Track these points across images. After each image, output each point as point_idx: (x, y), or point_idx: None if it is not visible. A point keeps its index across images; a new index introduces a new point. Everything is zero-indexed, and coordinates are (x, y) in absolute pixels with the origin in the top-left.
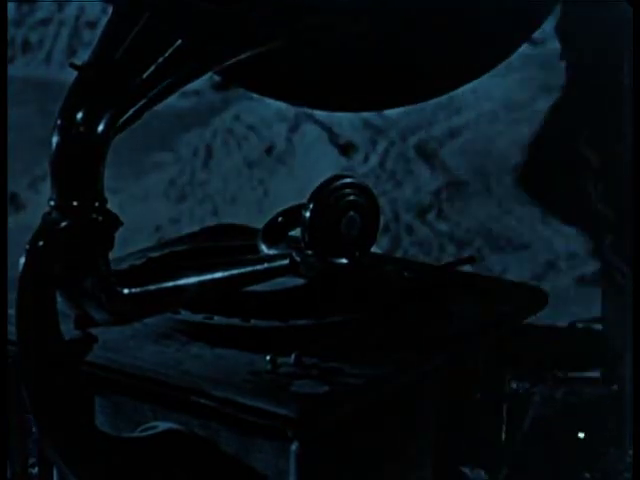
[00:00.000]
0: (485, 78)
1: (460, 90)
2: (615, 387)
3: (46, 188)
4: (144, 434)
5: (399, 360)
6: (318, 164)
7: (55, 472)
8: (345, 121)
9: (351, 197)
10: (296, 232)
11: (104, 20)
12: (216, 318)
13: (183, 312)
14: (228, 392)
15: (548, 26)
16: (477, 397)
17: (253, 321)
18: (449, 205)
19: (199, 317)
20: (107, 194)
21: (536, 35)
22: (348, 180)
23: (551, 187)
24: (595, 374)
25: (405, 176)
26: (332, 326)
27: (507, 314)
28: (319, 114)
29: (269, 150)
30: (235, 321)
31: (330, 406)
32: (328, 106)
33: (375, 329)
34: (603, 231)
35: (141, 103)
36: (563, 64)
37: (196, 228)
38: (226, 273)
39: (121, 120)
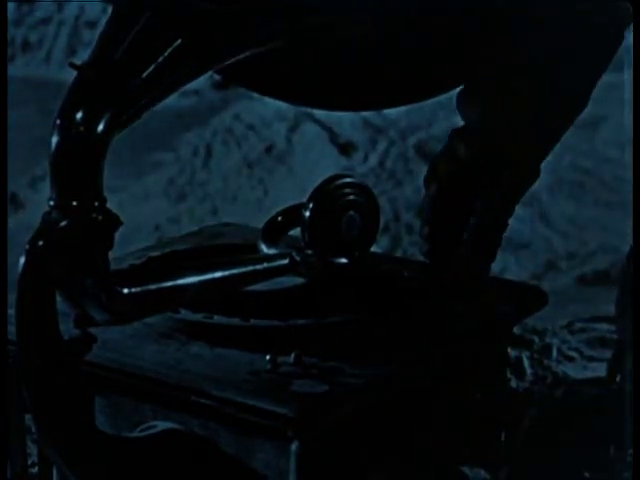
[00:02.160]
0: None
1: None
2: (615, 387)
3: (46, 188)
4: (144, 434)
5: (399, 360)
6: (318, 164)
7: (55, 472)
8: (345, 121)
9: (351, 197)
10: (296, 232)
11: (104, 20)
12: (216, 317)
13: (183, 311)
14: (228, 392)
15: None
16: (477, 397)
17: (253, 321)
18: None
19: (199, 316)
20: (107, 193)
21: None
22: (348, 180)
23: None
24: (596, 373)
25: (405, 176)
26: (332, 326)
27: (507, 314)
28: (319, 114)
29: (269, 150)
30: (235, 321)
31: (330, 406)
32: (328, 105)
33: (375, 329)
34: None
35: (141, 103)
36: None
37: (196, 228)
38: (226, 272)
39: (121, 120)
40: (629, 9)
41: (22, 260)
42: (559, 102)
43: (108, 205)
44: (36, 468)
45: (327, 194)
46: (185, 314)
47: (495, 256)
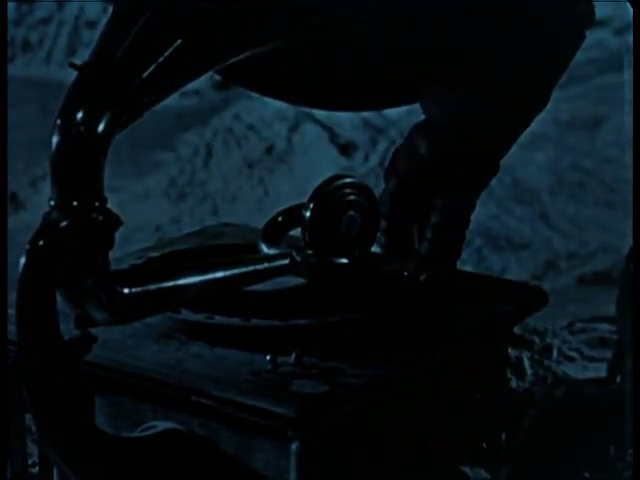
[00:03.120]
0: None
1: None
2: (615, 386)
3: (46, 188)
4: (144, 434)
5: (399, 360)
6: (318, 164)
7: (55, 472)
8: (345, 121)
9: (351, 197)
10: (296, 232)
11: (104, 20)
12: (217, 318)
13: (184, 311)
14: (228, 392)
15: None
16: (477, 397)
17: (253, 321)
18: None
19: (200, 316)
20: (107, 193)
21: None
22: (348, 180)
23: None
24: (597, 373)
25: None
26: (332, 326)
27: (507, 314)
28: (319, 114)
29: (269, 150)
30: (235, 321)
31: (330, 406)
32: (328, 105)
33: (375, 329)
34: None
35: (141, 103)
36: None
37: (196, 228)
38: (226, 273)
39: (121, 120)
40: (590, 8)
41: (22, 260)
42: (522, 101)
43: (108, 205)
44: (36, 468)
45: (327, 194)
46: (186, 314)
47: (460, 253)
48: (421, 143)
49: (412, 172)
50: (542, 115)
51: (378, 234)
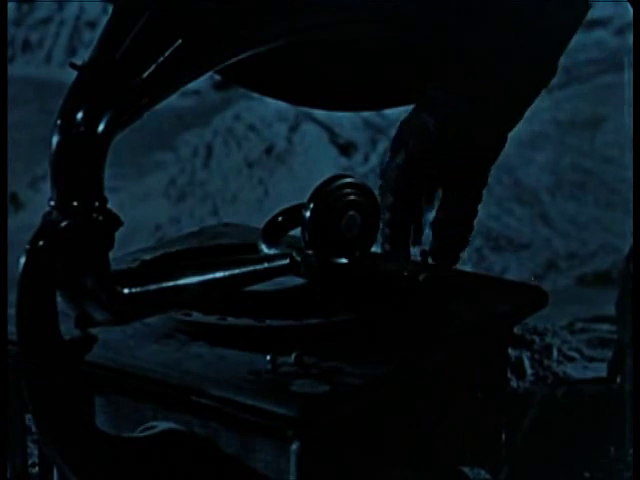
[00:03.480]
0: None
1: None
2: (615, 386)
3: (46, 188)
4: (144, 434)
5: (399, 360)
6: (318, 164)
7: (55, 472)
8: (345, 121)
9: (351, 197)
10: (296, 232)
11: (104, 20)
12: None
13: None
14: (228, 392)
15: None
16: (477, 397)
17: (251, 321)
18: None
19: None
20: (107, 194)
21: None
22: (348, 180)
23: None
24: (597, 373)
25: None
26: (332, 326)
27: (507, 314)
28: (319, 114)
29: (269, 150)
30: (235, 321)
31: (330, 406)
32: (328, 105)
33: (375, 329)
34: None
35: (141, 103)
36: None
37: (196, 228)
38: (226, 273)
39: (121, 120)
40: None
41: (22, 260)
42: (525, 74)
43: (108, 205)
44: (36, 468)
45: (327, 194)
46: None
47: (466, 245)
48: (428, 119)
49: (421, 147)
50: (542, 115)
51: (382, 211)
